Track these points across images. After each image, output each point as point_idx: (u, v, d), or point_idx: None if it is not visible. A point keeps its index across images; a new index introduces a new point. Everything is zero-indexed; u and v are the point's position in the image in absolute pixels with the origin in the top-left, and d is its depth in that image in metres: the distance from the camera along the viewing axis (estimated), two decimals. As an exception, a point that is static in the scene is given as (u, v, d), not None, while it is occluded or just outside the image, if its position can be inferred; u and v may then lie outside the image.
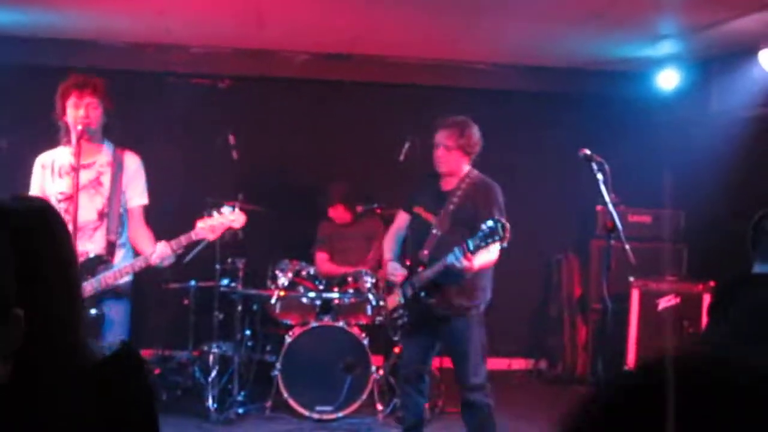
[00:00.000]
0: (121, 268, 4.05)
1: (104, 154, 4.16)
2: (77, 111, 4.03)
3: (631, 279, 6.38)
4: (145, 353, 6.32)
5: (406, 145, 6.18)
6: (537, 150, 7.36)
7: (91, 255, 4.08)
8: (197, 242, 4.24)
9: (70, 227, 3.95)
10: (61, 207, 3.99)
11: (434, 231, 4.33)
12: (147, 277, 6.10)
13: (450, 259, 4.08)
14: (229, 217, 4.14)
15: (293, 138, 7.12)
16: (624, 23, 5.65)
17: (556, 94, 7.28)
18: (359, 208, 6.51)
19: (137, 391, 1.43)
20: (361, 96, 7.17)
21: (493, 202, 4.31)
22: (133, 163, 4.22)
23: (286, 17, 5.87)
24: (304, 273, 5.98)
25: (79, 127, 3.99)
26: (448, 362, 6.26)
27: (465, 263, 4.02)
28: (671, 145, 6.68)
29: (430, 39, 6.46)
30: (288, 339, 5.61)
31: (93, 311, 4.04)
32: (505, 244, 4.08)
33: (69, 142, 4.08)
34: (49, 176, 4.12)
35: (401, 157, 6.20)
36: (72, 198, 4.01)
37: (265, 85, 7.18)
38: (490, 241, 4.00)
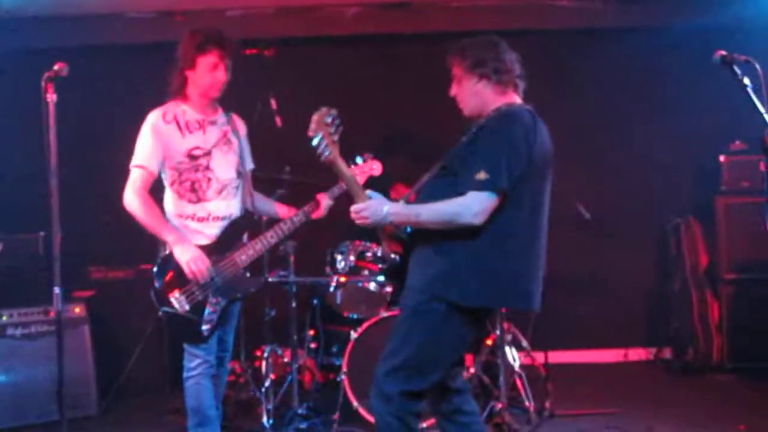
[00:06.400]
0: (282, 226, 3.83)
1: (220, 113, 3.82)
2: (215, 73, 3.62)
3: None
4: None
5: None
6: (641, 94, 6.15)
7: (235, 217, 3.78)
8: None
9: (214, 185, 3.67)
10: (199, 164, 3.64)
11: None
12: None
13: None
14: (372, 165, 4.20)
15: (347, 102, 6.08)
16: None
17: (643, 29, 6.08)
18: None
19: None
20: (422, 49, 6.08)
21: (481, 144, 2.95)
22: (242, 126, 3.95)
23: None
24: (369, 255, 4.95)
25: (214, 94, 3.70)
26: (554, 357, 5.20)
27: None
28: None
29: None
30: (353, 336, 4.58)
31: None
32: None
33: (186, 97, 3.68)
34: (176, 132, 3.63)
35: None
36: (210, 154, 3.69)
37: (312, 45, 6.19)
38: None
